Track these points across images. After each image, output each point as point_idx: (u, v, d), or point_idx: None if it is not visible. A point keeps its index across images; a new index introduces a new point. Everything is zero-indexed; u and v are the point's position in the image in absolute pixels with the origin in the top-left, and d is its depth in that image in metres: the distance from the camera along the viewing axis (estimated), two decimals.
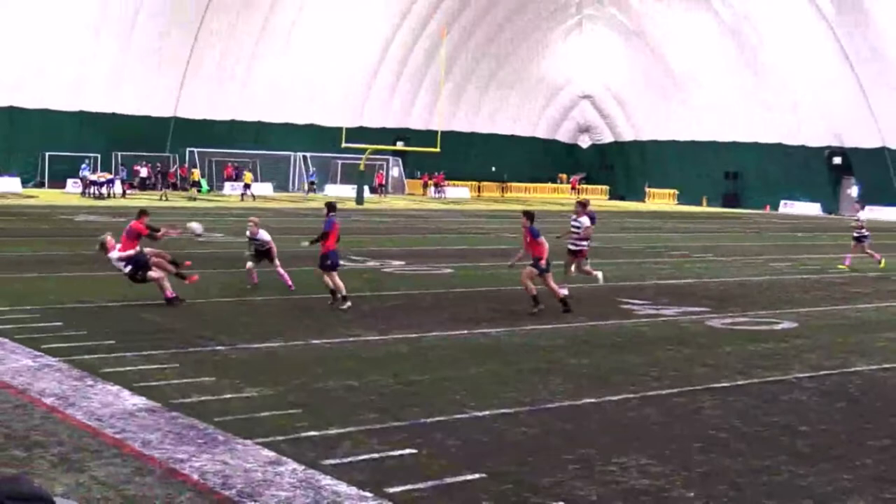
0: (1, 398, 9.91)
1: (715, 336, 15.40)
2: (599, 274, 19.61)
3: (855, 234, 27.56)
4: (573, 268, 19.44)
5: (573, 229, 19.42)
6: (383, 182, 70.63)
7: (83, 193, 53.20)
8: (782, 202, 69.72)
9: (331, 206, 17.73)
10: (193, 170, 60.52)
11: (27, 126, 57.81)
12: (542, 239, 16.90)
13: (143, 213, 16.81)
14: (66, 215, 37.86)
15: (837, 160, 67.06)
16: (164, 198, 52.73)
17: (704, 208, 71.39)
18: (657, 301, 19.09)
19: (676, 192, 76.69)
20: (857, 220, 27.70)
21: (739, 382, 11.98)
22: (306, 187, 65.10)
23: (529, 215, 17.32)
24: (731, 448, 9.08)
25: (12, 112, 57.81)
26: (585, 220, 19.34)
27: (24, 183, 57.43)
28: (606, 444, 9.02)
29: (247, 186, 57.84)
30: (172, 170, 62.20)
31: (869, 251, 27.13)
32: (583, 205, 19.90)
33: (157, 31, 59.63)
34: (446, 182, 72.39)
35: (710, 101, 71.27)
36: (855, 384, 12.14)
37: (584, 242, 19.43)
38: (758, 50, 67.19)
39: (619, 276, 22.85)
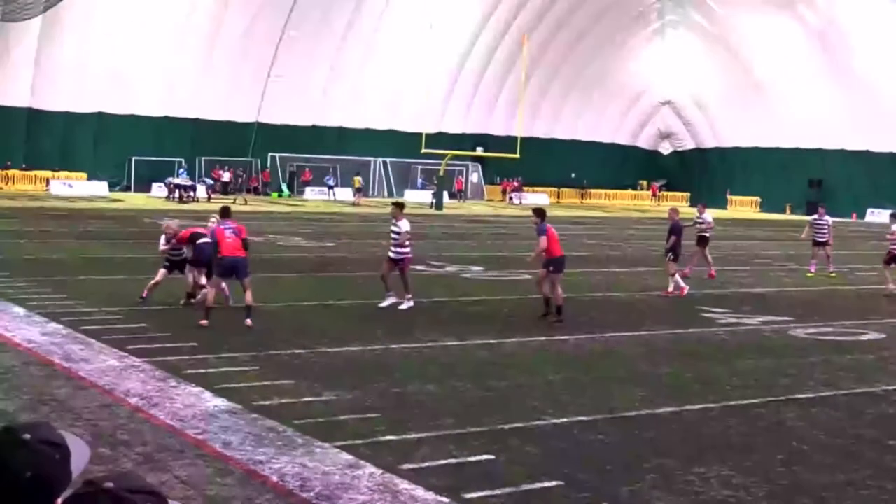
0: (88, 397, 10.14)
1: (798, 346, 15.12)
2: (407, 302, 16.91)
3: (699, 234, 25.14)
4: (391, 277, 17.10)
5: (392, 235, 17.30)
6: (462, 188, 70.70)
7: (168, 197, 54.16)
8: (869, 210, 68.03)
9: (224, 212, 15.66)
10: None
11: (114, 131, 58.97)
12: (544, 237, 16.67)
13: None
14: (152, 219, 38.59)
15: None
16: (244, 202, 53.40)
17: (788, 216, 70.13)
18: (739, 310, 18.81)
19: (759, 199, 75.48)
20: (702, 220, 25.49)
21: (823, 394, 11.74)
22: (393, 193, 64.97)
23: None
24: (815, 461, 8.90)
25: (101, 117, 59.14)
26: (405, 225, 17.17)
27: (111, 187, 58.65)
28: (686, 454, 8.91)
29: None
30: (250, 174, 63.10)
31: (707, 255, 24.89)
32: (399, 206, 17.68)
33: (241, 36, 60.46)
34: (525, 188, 72.13)
35: (794, 106, 69.89)
36: None
37: (405, 249, 17.14)
38: (843, 54, 65.74)
39: (700, 284, 22.57)
